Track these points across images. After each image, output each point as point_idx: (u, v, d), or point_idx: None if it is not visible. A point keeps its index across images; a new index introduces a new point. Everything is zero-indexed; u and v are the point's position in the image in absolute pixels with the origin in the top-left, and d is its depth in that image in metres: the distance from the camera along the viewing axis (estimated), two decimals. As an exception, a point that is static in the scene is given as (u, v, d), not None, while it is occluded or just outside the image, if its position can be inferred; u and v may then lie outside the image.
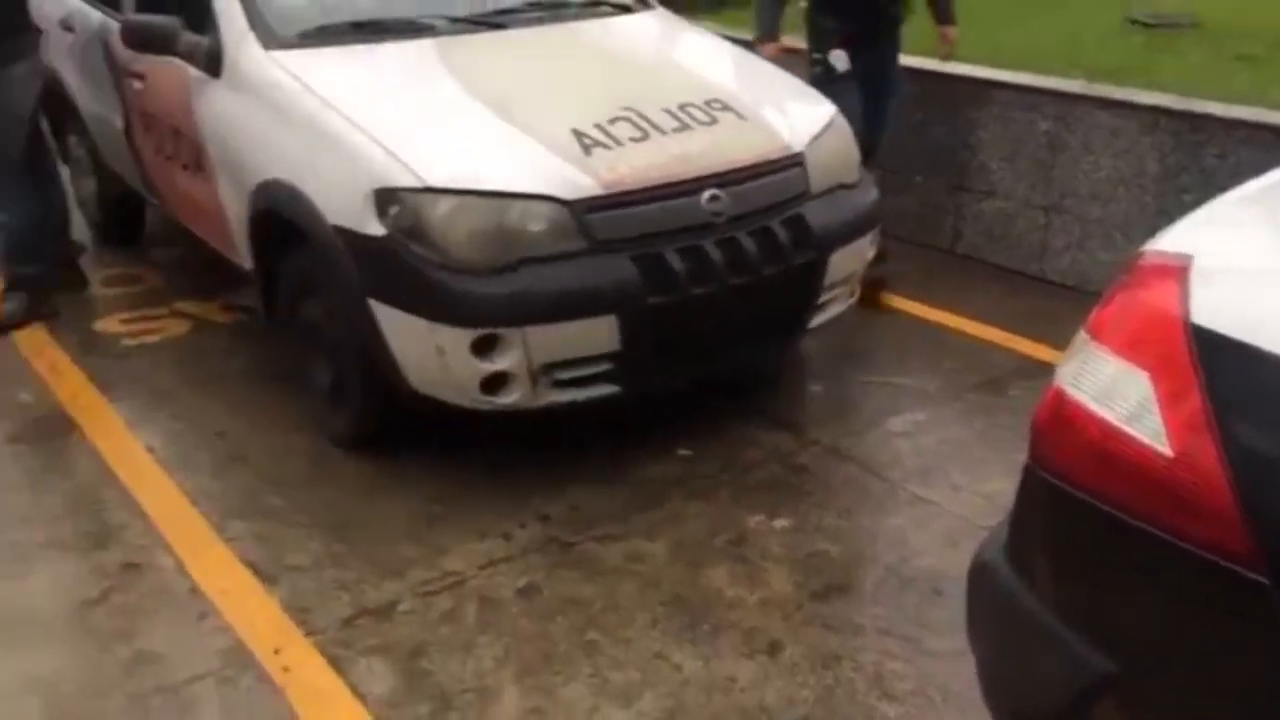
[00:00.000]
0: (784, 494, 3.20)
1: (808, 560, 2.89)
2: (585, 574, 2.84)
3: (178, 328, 4.34)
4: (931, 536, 2.99)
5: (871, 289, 4.29)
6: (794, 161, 3.39)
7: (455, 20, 3.76)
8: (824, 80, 4.17)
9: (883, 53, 4.42)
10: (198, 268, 4.61)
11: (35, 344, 4.16)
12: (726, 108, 3.42)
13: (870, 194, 3.68)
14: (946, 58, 4.71)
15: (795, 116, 3.55)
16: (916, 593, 2.77)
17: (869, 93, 4.30)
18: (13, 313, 4.27)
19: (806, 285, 3.39)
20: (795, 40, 4.54)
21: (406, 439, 3.39)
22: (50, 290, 4.39)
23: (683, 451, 3.40)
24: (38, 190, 4.28)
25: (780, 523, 3.05)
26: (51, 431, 3.58)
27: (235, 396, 3.77)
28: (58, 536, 3.01)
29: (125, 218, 5.10)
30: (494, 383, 3.01)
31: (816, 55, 4.31)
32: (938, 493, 3.19)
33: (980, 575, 1.62)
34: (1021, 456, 1.58)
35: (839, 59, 4.23)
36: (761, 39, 4.40)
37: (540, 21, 3.96)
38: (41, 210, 4.31)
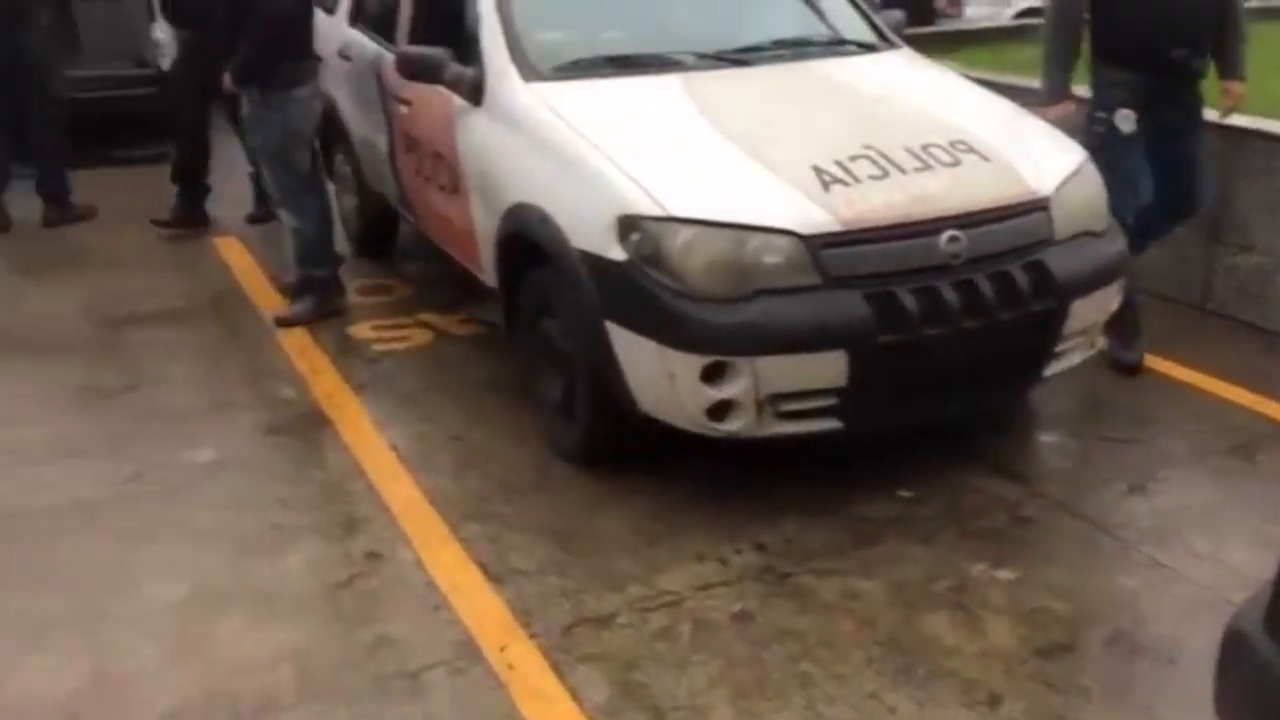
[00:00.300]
0: (1008, 545, 3.12)
1: (1032, 615, 2.81)
2: (800, 606, 2.85)
3: (422, 337, 4.63)
4: (1167, 603, 2.85)
5: (1127, 372, 4.14)
6: (1038, 206, 3.32)
7: (703, 56, 3.87)
8: (1107, 142, 3.91)
9: (1180, 111, 4.06)
10: (443, 282, 4.91)
11: (298, 345, 4.52)
12: (970, 149, 3.38)
13: (1117, 243, 3.55)
14: (1227, 113, 4.31)
15: (1042, 160, 3.47)
16: (1149, 660, 2.64)
17: (1164, 158, 4.05)
18: (303, 312, 4.68)
19: (1044, 333, 3.30)
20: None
21: (631, 457, 3.49)
22: (334, 292, 4.78)
23: (903, 493, 3.37)
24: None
25: (1004, 574, 2.98)
26: (309, 426, 3.88)
27: (473, 405, 3.99)
28: (311, 522, 3.27)
29: (381, 232, 5.48)
30: (720, 410, 3.07)
31: (1100, 114, 4.01)
32: (1175, 558, 3.03)
33: (1235, 646, 1.55)
34: (1270, 525, 1.50)
35: (1125, 119, 3.92)
36: (1050, 98, 4.10)
37: (785, 59, 4.02)
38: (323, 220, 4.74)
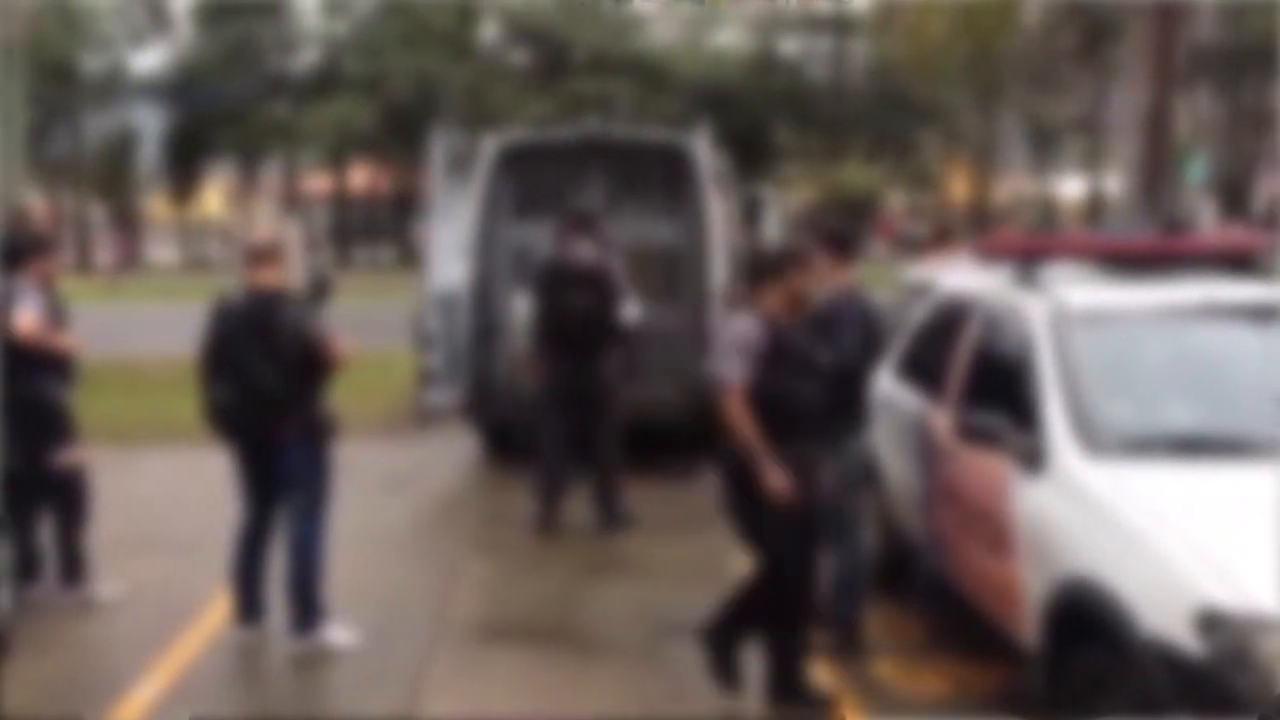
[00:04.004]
0: None
1: None
2: None
3: (943, 682, 4.62)
4: None
5: None
6: None
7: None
8: None
9: None
10: (959, 625, 4.89)
11: (821, 675, 4.67)
12: None
13: None
14: None
15: None
16: None
17: None
18: (826, 642, 4.87)
19: None
20: None
21: None
22: (857, 627, 4.95)
23: None
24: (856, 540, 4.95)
25: None
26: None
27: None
28: None
29: (900, 570, 5.62)
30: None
31: None
32: None
33: None
34: None
35: None
36: None
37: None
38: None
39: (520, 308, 7.24)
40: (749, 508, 4.22)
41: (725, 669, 4.41)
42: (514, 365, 7.47)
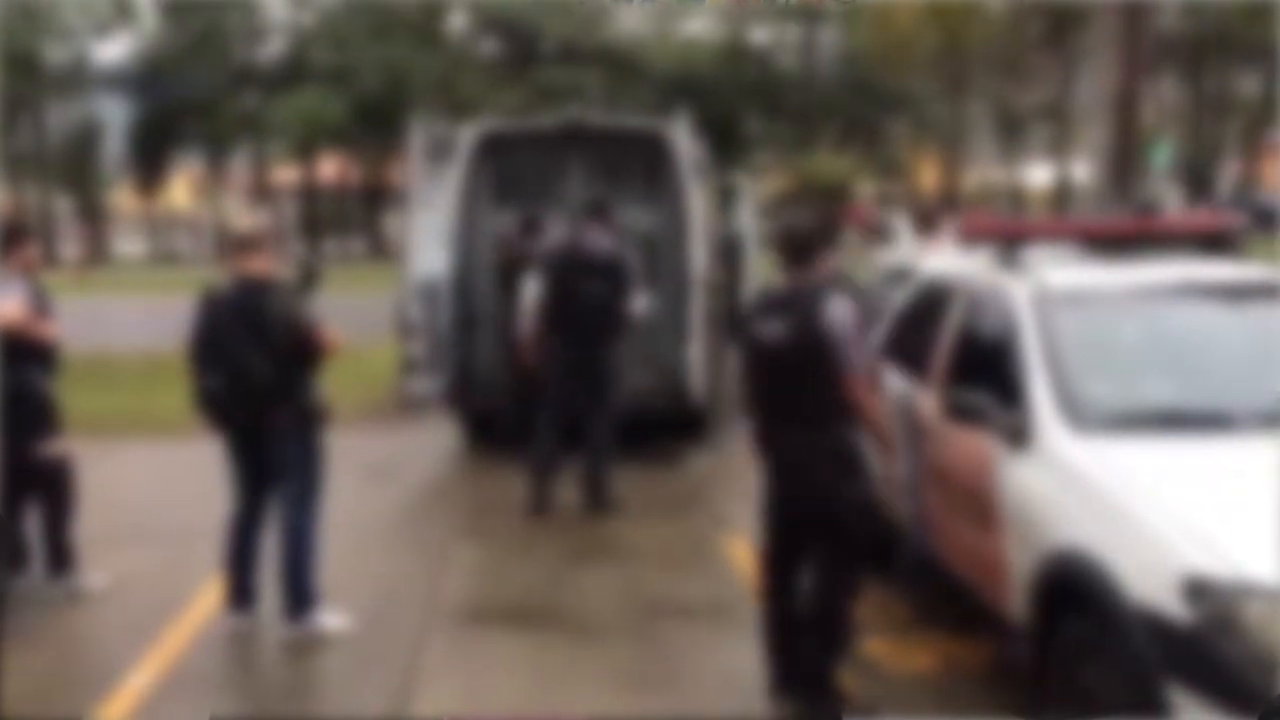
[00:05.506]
0: None
1: None
2: None
3: (931, 658, 4.70)
4: None
5: None
6: None
7: (1267, 415, 3.80)
8: None
9: None
10: (946, 603, 4.97)
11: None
12: None
13: None
14: None
15: None
16: None
17: None
18: None
19: None
20: None
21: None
22: None
23: None
24: None
25: None
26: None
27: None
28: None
29: (885, 550, 5.69)
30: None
31: None
32: None
33: None
34: None
35: None
36: None
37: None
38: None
39: (530, 291, 7.26)
40: (853, 494, 4.16)
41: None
42: (518, 348, 7.49)
